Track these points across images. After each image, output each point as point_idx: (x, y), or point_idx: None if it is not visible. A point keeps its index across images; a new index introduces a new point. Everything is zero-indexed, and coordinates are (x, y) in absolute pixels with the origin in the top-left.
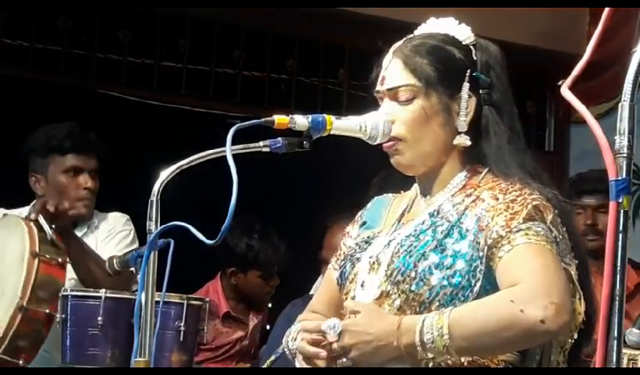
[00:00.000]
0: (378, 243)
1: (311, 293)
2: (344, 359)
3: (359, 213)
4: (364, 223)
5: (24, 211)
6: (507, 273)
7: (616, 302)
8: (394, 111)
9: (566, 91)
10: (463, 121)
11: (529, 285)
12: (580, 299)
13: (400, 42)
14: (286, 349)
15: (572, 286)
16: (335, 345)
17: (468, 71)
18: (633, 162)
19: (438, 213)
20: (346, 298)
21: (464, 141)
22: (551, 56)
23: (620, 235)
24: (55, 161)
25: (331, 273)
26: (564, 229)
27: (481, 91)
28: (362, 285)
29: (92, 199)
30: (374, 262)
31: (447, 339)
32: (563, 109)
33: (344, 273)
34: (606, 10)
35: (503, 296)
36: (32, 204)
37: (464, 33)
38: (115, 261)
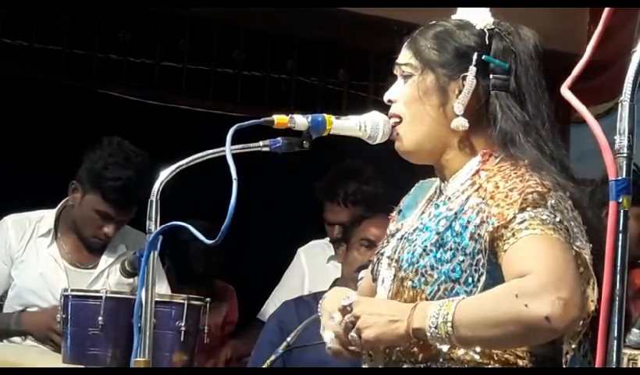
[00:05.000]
0: (397, 236)
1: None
2: (353, 334)
3: (404, 198)
4: (400, 211)
5: (46, 216)
6: (513, 265)
7: (616, 302)
8: (398, 88)
9: (566, 91)
10: (459, 104)
11: (536, 278)
12: (594, 285)
13: (419, 29)
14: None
15: (585, 271)
16: (347, 317)
17: (476, 54)
18: (633, 162)
19: (444, 204)
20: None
21: (461, 123)
22: (551, 56)
23: (620, 235)
24: (96, 196)
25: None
26: (575, 212)
27: (492, 76)
28: (382, 282)
29: (107, 241)
30: (390, 258)
31: (450, 327)
32: (563, 109)
33: (373, 269)
34: (606, 10)
35: (508, 288)
36: (57, 207)
37: (479, 18)
38: (125, 263)
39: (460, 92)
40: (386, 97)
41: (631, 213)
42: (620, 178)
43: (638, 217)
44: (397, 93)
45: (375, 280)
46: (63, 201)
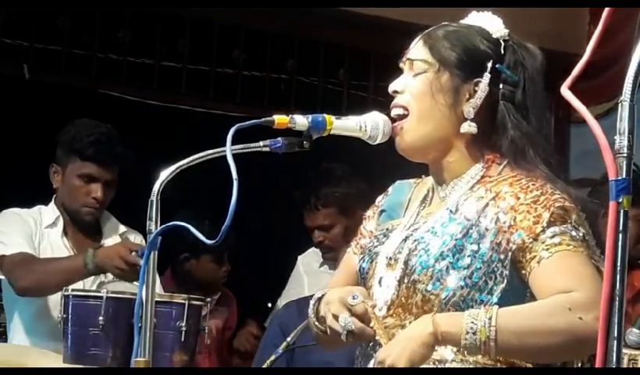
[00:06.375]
0: (396, 237)
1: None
2: None
3: (379, 198)
4: (382, 211)
5: (43, 209)
6: (552, 279)
7: (616, 302)
8: (406, 81)
9: (566, 91)
10: (470, 107)
11: (584, 294)
12: None
13: (432, 27)
14: (311, 312)
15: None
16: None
17: (490, 62)
18: (633, 161)
19: (457, 210)
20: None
21: (470, 128)
22: (551, 56)
23: (620, 235)
24: (74, 162)
25: (350, 256)
26: (588, 225)
27: (501, 86)
28: (380, 282)
29: (99, 208)
30: (391, 259)
31: (494, 332)
32: (563, 109)
33: (363, 267)
34: (606, 10)
35: (558, 301)
36: (51, 202)
37: (495, 27)
38: None
39: (470, 96)
40: (392, 87)
41: (630, 214)
42: (620, 178)
43: (635, 218)
44: (405, 84)
45: (363, 278)
46: (53, 197)
